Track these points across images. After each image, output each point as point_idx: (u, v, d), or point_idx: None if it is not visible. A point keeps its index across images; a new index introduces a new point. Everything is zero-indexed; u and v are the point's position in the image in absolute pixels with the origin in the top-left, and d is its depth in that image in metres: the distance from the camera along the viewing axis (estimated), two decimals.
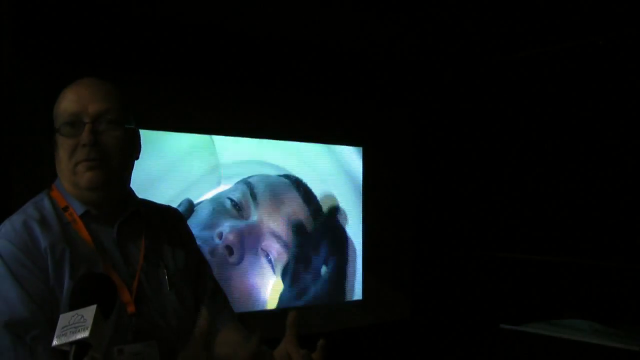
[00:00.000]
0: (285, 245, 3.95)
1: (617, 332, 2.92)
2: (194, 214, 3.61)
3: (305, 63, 4.09)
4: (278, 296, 3.93)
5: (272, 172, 3.97)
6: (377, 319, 4.40)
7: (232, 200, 3.77)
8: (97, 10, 3.25)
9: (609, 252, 3.69)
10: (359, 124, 4.40)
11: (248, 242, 3.79)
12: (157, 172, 3.44)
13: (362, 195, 4.40)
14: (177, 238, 1.49)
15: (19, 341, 1.18)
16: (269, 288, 3.89)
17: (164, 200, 1.62)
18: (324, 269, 4.16)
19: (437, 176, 4.64)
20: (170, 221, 1.52)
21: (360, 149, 4.42)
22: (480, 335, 3.82)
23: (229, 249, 3.71)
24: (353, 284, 4.32)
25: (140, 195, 1.48)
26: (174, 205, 2.58)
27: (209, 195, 3.70)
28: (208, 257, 2.99)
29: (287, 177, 4.04)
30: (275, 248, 3.90)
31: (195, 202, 3.64)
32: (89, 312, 1.04)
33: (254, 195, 3.85)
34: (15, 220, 1.30)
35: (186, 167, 3.62)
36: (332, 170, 4.26)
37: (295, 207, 4.03)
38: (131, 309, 1.30)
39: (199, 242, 1.64)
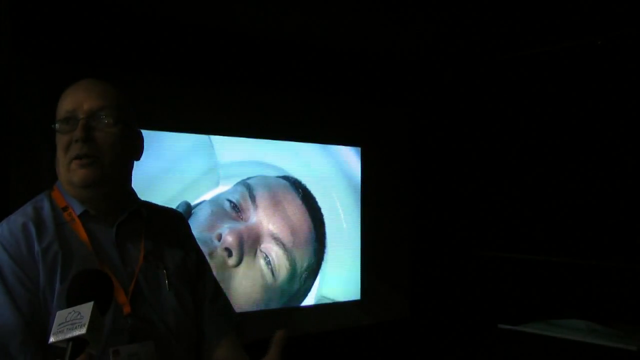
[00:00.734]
0: (284, 246, 3.95)
1: (615, 332, 2.92)
2: (193, 215, 3.60)
3: (304, 63, 4.10)
4: (277, 297, 3.93)
5: (271, 172, 3.97)
6: (375, 319, 4.40)
7: (231, 202, 3.76)
8: (97, 10, 3.25)
9: (607, 252, 3.70)
10: (357, 124, 4.41)
11: (247, 243, 3.78)
12: (154, 172, 3.42)
13: (361, 195, 4.40)
14: (177, 239, 1.49)
15: (2, 350, 1.17)
16: (268, 289, 3.89)
17: (162, 201, 1.62)
18: (322, 269, 4.16)
19: (436, 176, 4.65)
20: (171, 222, 1.52)
21: (359, 149, 4.42)
22: (478, 335, 3.82)
23: (228, 251, 3.71)
24: (352, 284, 4.32)
25: (138, 196, 1.48)
26: (172, 207, 2.57)
27: (207, 196, 3.70)
28: (207, 258, 2.98)
29: (286, 178, 4.03)
30: (274, 249, 3.90)
31: (193, 203, 3.63)
32: (86, 309, 1.03)
33: (252, 197, 3.85)
34: (13, 221, 1.30)
35: (184, 168, 3.61)
36: (331, 171, 4.26)
37: (294, 208, 4.03)
38: (127, 309, 1.29)
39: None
